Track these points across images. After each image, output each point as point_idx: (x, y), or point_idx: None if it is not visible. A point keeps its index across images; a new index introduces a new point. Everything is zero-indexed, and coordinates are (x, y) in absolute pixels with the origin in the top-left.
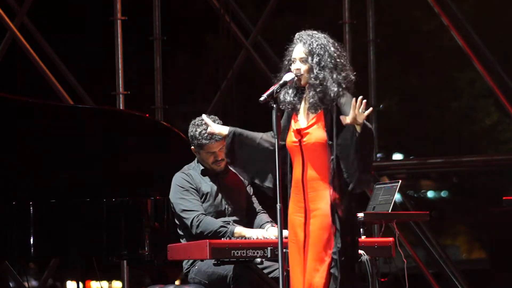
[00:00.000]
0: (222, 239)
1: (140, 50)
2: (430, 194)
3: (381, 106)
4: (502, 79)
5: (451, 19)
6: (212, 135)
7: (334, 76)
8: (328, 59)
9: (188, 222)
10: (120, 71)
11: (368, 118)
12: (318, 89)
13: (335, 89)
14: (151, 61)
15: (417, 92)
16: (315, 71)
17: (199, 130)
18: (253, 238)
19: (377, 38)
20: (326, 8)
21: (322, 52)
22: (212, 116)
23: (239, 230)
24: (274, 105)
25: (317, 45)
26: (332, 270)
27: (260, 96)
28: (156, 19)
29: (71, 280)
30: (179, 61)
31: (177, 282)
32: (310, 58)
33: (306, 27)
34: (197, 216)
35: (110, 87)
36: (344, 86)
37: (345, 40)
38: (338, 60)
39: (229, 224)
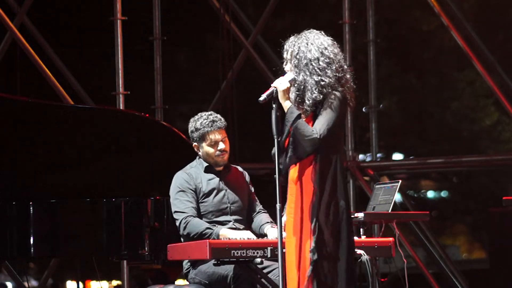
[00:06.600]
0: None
1: (140, 50)
2: (430, 194)
3: (381, 106)
4: (502, 79)
5: (451, 19)
6: (213, 122)
7: (311, 80)
8: (304, 62)
9: (177, 223)
10: (120, 71)
11: (368, 118)
12: (297, 93)
13: (314, 95)
14: (151, 61)
15: (417, 92)
16: (293, 74)
17: (199, 121)
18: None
19: (377, 38)
20: (326, 8)
21: (301, 55)
22: (212, 112)
23: (224, 232)
24: (274, 105)
25: (296, 47)
26: (308, 271)
27: (260, 96)
28: (156, 19)
29: (71, 280)
30: (179, 61)
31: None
32: (289, 61)
33: (306, 27)
34: (185, 218)
35: (110, 87)
36: (322, 90)
37: (345, 40)
38: (315, 63)
39: (215, 226)
